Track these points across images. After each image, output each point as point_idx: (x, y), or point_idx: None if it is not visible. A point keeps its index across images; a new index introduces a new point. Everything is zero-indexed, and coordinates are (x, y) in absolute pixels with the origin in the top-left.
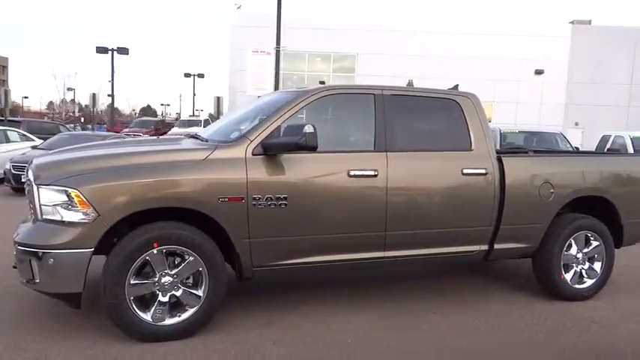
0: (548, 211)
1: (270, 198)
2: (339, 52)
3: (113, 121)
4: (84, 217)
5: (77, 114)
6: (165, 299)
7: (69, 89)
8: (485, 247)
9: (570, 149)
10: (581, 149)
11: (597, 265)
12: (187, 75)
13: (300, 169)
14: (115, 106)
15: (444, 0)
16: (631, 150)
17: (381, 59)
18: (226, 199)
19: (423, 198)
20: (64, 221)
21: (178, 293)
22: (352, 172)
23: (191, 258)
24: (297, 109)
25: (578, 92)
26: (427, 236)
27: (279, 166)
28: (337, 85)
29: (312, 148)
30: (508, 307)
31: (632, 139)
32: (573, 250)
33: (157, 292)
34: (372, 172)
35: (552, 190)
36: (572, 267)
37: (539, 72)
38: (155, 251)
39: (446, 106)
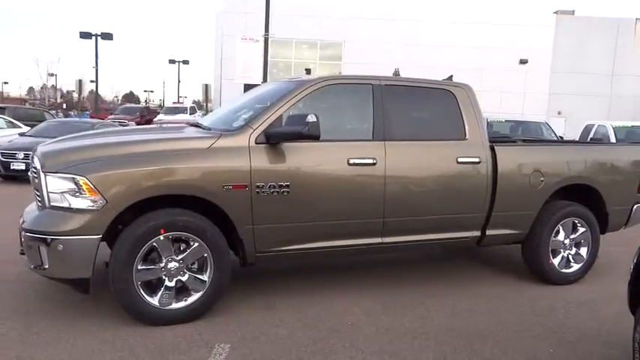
0: (538, 198)
1: (273, 186)
2: (325, 39)
3: (97, 107)
4: (92, 204)
5: (59, 100)
6: (172, 284)
7: (50, 75)
8: (477, 234)
9: (555, 138)
10: (564, 138)
11: (583, 251)
12: (172, 61)
13: (301, 157)
14: (99, 92)
15: None
16: (613, 139)
17: (368, 47)
18: (231, 187)
19: (419, 186)
20: (72, 208)
21: (184, 278)
22: (352, 161)
23: (196, 244)
24: (298, 99)
25: (561, 82)
26: (423, 223)
27: (281, 155)
28: (336, 75)
29: (315, 137)
30: (499, 291)
31: (615, 129)
32: (561, 236)
33: (164, 277)
34: (371, 161)
35: (542, 179)
36: (560, 252)
37: (523, 61)
38: (162, 237)
39: (441, 97)
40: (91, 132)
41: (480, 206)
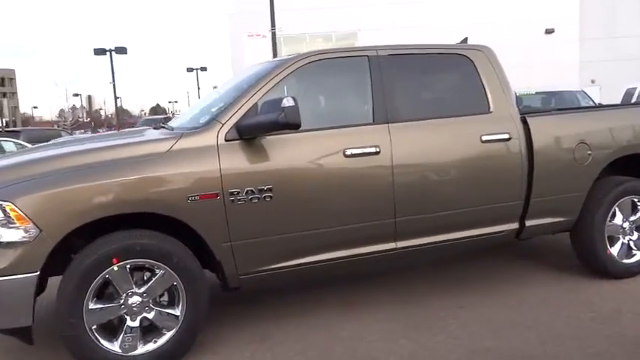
0: (587, 176)
1: (252, 191)
2: (339, 31)
3: (120, 122)
4: (25, 234)
5: (86, 119)
6: (136, 324)
7: (75, 95)
8: (515, 226)
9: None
10: None
11: None
12: (190, 69)
13: (285, 153)
14: (125, 107)
15: None
16: None
17: (383, 34)
18: (197, 197)
19: (435, 175)
20: (1, 242)
21: (150, 315)
22: (349, 152)
23: (161, 271)
24: (276, 82)
25: (591, 49)
26: (444, 219)
27: (260, 152)
28: (323, 50)
29: (295, 126)
30: (547, 294)
31: None
32: (618, 219)
33: (125, 316)
34: (373, 149)
35: (590, 152)
36: (619, 239)
37: (549, 31)
38: (116, 268)
39: (455, 64)
40: (37, 145)
41: (515, 193)
